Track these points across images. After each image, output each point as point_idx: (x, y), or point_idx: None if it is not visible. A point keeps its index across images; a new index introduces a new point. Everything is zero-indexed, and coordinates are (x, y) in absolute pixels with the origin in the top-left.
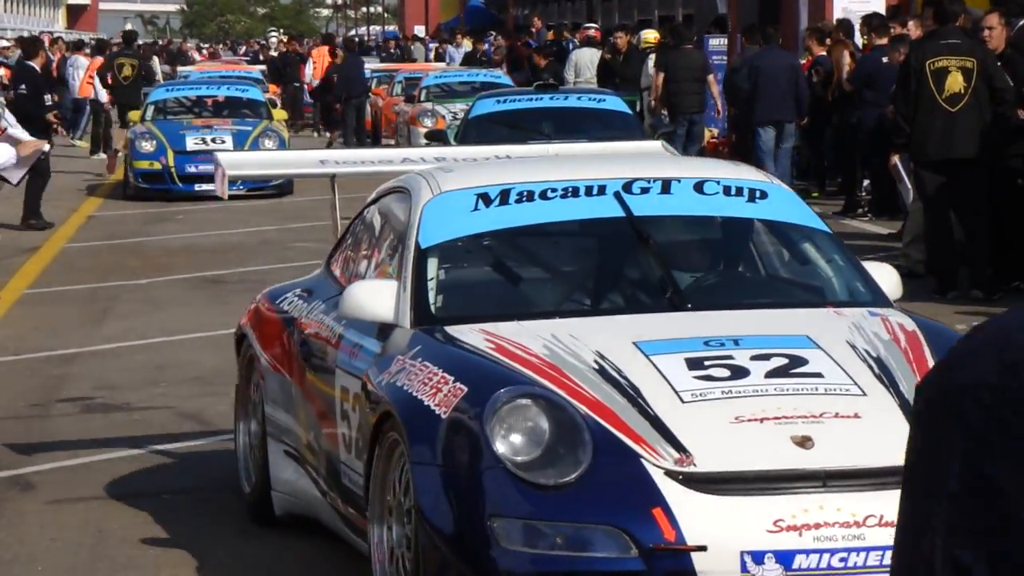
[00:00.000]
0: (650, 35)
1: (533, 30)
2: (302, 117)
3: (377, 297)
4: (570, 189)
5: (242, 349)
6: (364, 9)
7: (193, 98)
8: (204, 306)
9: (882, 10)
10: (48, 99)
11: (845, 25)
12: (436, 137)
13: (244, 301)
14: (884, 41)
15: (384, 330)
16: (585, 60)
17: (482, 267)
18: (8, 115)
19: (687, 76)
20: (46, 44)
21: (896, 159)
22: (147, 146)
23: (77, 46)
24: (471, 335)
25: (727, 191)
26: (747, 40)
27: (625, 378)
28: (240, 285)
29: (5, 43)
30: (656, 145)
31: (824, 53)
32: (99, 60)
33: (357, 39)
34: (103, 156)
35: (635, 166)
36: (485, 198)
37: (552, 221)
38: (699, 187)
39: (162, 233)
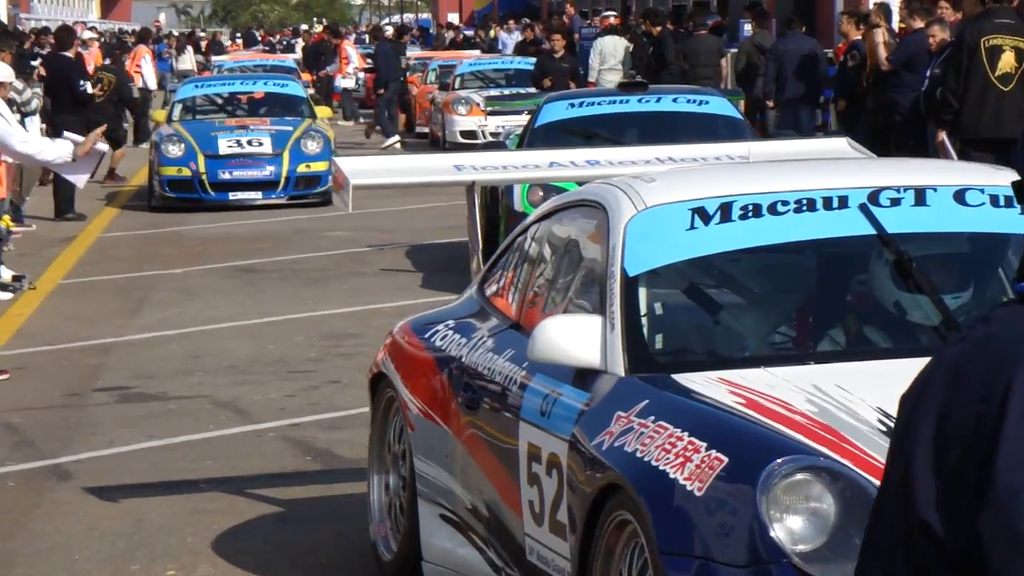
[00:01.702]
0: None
1: (566, 18)
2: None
3: (578, 337)
4: (805, 201)
5: (379, 390)
6: None
7: (226, 95)
8: (239, 295)
9: None
10: (86, 87)
11: (883, 9)
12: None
13: (278, 290)
14: (922, 25)
15: (584, 376)
16: (610, 48)
17: (706, 299)
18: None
19: (703, 61)
20: (79, 34)
21: (943, 135)
22: (175, 150)
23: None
24: (709, 386)
25: (994, 201)
26: (757, 25)
27: None
28: (275, 274)
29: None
30: (842, 143)
31: (859, 37)
32: (143, 48)
33: (393, 27)
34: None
35: (877, 172)
36: (702, 213)
37: (788, 241)
38: (959, 197)
39: (196, 222)
